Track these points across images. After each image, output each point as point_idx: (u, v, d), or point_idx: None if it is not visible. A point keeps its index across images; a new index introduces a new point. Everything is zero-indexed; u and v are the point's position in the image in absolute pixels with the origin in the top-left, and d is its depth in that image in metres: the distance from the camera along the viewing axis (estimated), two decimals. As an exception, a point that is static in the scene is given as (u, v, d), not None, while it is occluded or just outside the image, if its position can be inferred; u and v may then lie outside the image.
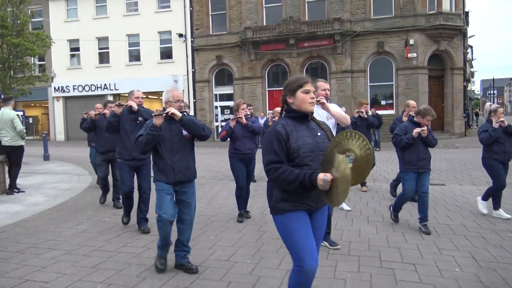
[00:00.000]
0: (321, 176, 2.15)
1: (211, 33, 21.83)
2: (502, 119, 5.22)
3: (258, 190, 7.43)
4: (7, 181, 7.60)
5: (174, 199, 3.61)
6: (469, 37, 28.55)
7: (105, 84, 23.30)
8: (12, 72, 14.30)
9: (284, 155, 2.30)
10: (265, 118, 13.77)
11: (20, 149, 7.61)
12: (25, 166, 10.32)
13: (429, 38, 18.83)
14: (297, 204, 2.33)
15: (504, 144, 5.26)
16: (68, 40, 23.88)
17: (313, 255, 2.29)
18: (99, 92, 23.23)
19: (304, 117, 2.43)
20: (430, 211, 5.38)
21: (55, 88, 24.23)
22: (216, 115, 22.25)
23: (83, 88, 23.83)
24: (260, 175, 8.75)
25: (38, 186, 8.27)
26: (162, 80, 21.58)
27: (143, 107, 5.16)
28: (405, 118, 6.34)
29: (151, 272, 3.61)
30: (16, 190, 7.45)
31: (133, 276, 3.53)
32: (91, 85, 23.63)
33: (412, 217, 5.40)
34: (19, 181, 7.83)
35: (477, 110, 35.48)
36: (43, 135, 13.98)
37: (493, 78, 44.56)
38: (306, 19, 20.08)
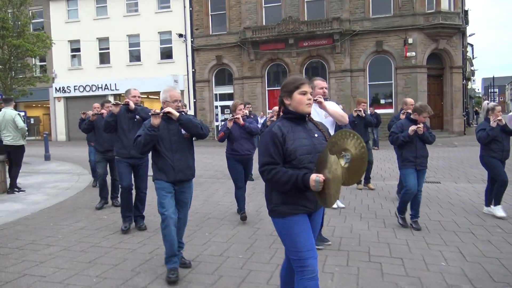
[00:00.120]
0: (314, 177, 2.15)
1: (211, 33, 21.95)
2: (499, 117, 5.19)
3: (256, 188, 7.53)
4: (8, 180, 7.73)
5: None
6: (469, 35, 28.59)
7: (105, 85, 23.46)
8: (13, 73, 14.43)
9: (280, 157, 2.30)
10: (264, 118, 13.84)
11: (21, 148, 7.74)
12: (26, 166, 10.47)
13: (427, 37, 18.90)
14: (297, 207, 2.32)
15: (502, 143, 5.25)
16: (69, 41, 24.06)
17: (315, 256, 2.33)
18: (100, 92, 23.38)
19: (301, 118, 2.42)
20: (423, 208, 5.49)
21: (56, 88, 24.41)
22: (216, 114, 22.37)
23: (84, 88, 24.00)
24: (258, 174, 8.83)
25: (39, 185, 8.40)
26: (162, 80, 21.68)
27: (140, 106, 5.21)
28: (402, 116, 6.35)
29: (146, 267, 3.72)
30: (17, 189, 7.58)
31: (128, 270, 3.65)
32: (92, 85, 23.80)
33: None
34: (20, 181, 7.96)
35: (477, 109, 35.40)
36: (44, 135, 14.13)
37: (493, 77, 44.54)
38: (305, 19, 20.18)
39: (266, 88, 21.41)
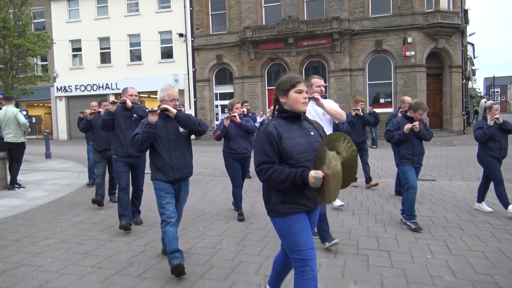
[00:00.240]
0: (312, 173, 2.13)
1: (211, 32, 22.08)
2: (497, 116, 5.17)
3: (252, 185, 7.63)
4: (8, 177, 7.87)
5: None
6: (469, 35, 28.62)
7: (106, 84, 23.62)
8: (14, 72, 14.59)
9: (276, 156, 2.28)
10: (263, 117, 13.92)
11: (22, 145, 7.88)
12: (27, 164, 10.62)
13: (427, 36, 18.95)
14: (296, 206, 2.31)
15: (500, 141, 5.23)
16: (70, 40, 24.23)
17: (315, 255, 2.33)
18: (101, 91, 23.52)
19: (297, 117, 2.39)
20: (415, 204, 5.55)
21: (57, 88, 24.59)
22: (217, 114, 22.49)
23: (85, 87, 24.17)
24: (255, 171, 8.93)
25: (39, 182, 8.53)
26: (163, 79, 21.77)
27: (137, 104, 5.30)
28: (400, 114, 6.41)
29: (140, 258, 3.84)
30: (17, 186, 7.71)
31: (122, 261, 3.77)
32: (93, 84, 23.96)
33: (396, 209, 5.59)
34: (21, 178, 8.10)
35: (477, 108, 35.40)
36: (45, 133, 14.28)
37: (494, 76, 44.52)
38: (305, 18, 20.27)
39: (266, 87, 21.51)
